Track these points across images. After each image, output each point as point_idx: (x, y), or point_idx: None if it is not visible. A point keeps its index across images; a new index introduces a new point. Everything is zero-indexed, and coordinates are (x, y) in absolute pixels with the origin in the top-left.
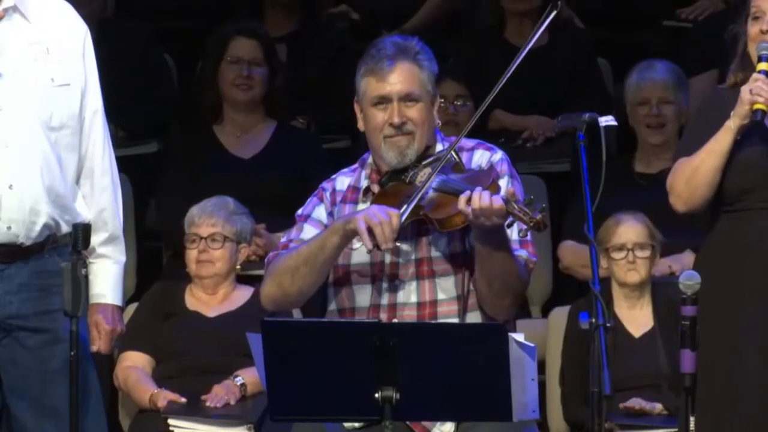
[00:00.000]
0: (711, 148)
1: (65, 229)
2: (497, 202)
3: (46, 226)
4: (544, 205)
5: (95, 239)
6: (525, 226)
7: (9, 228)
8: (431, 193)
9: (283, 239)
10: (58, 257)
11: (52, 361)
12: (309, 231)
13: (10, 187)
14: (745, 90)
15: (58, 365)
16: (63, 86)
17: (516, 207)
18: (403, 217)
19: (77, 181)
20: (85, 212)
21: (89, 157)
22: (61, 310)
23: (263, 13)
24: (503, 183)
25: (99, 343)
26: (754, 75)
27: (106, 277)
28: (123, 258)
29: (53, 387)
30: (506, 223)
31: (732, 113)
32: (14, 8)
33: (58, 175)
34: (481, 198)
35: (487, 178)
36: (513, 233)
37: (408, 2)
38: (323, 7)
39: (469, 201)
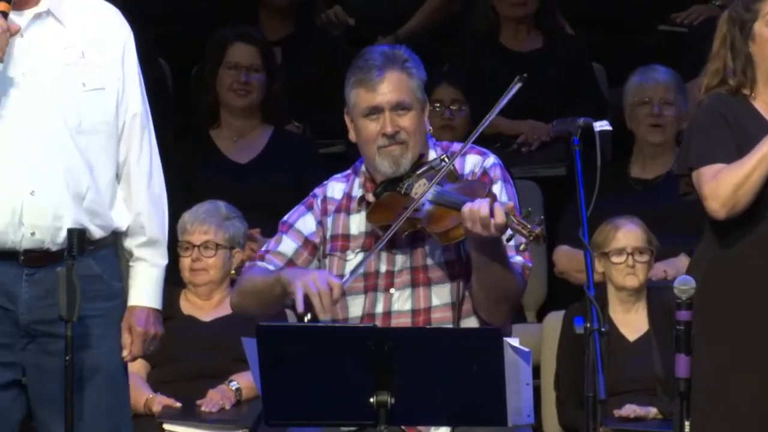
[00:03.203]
0: (763, 155)
1: (99, 233)
2: (498, 215)
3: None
4: (542, 218)
5: (132, 242)
6: (524, 240)
7: (33, 234)
8: (428, 206)
9: (263, 249)
10: (93, 261)
11: (76, 367)
12: (286, 244)
13: (32, 193)
14: None
15: (83, 372)
16: (95, 90)
17: (515, 220)
18: (346, 285)
19: (116, 185)
20: (122, 217)
21: (127, 162)
22: (94, 316)
23: (258, 17)
24: (497, 189)
25: (131, 348)
26: None
27: (143, 279)
28: (162, 261)
29: (78, 393)
30: (506, 237)
31: None
32: (47, 12)
33: (86, 181)
34: (480, 211)
35: (482, 189)
36: (512, 246)
37: (403, 7)
38: (318, 12)
39: (468, 214)
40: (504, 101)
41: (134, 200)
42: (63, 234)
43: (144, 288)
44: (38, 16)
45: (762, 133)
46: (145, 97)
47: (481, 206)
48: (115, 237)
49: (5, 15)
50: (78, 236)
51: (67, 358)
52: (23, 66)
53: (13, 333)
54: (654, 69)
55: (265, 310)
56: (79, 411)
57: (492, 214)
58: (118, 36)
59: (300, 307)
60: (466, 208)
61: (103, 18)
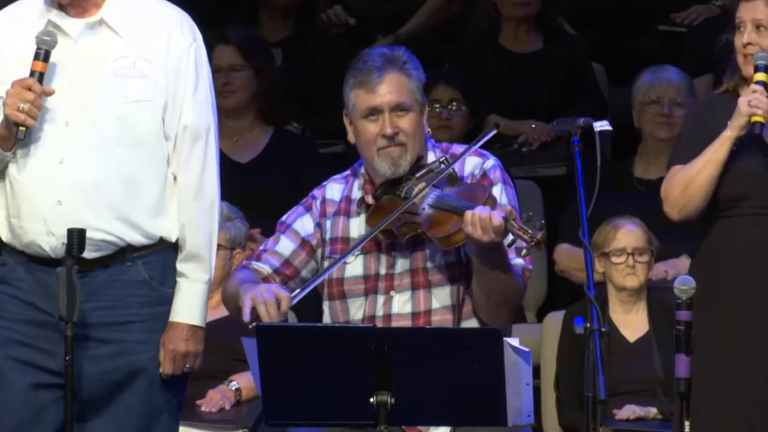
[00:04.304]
0: (708, 158)
1: (143, 241)
2: (497, 220)
3: (104, 241)
4: (543, 222)
5: (179, 256)
6: (526, 245)
7: (64, 243)
8: (428, 211)
9: (261, 247)
10: (142, 266)
11: (116, 372)
12: (284, 243)
13: (59, 203)
14: (743, 101)
15: (122, 377)
16: (138, 102)
17: (516, 225)
18: (294, 301)
19: (165, 195)
20: (170, 227)
21: (176, 173)
22: (139, 321)
23: (259, 18)
24: (497, 191)
25: (164, 365)
26: (752, 86)
27: (181, 295)
28: (204, 276)
29: (118, 396)
30: (507, 242)
31: (729, 123)
32: (100, 22)
33: (121, 191)
34: (481, 217)
35: (482, 193)
36: (513, 249)
37: (403, 7)
38: (318, 12)
39: (469, 219)
40: (478, 144)
41: (181, 212)
42: (94, 244)
43: (182, 304)
44: (90, 25)
45: (750, 135)
46: (208, 107)
47: (481, 212)
48: (173, 244)
49: (41, 76)
50: (78, 236)
51: (67, 358)
52: (72, 76)
53: (54, 339)
54: (665, 69)
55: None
56: (113, 412)
57: (492, 219)
58: (177, 46)
59: (246, 316)
60: (468, 213)
61: (163, 27)
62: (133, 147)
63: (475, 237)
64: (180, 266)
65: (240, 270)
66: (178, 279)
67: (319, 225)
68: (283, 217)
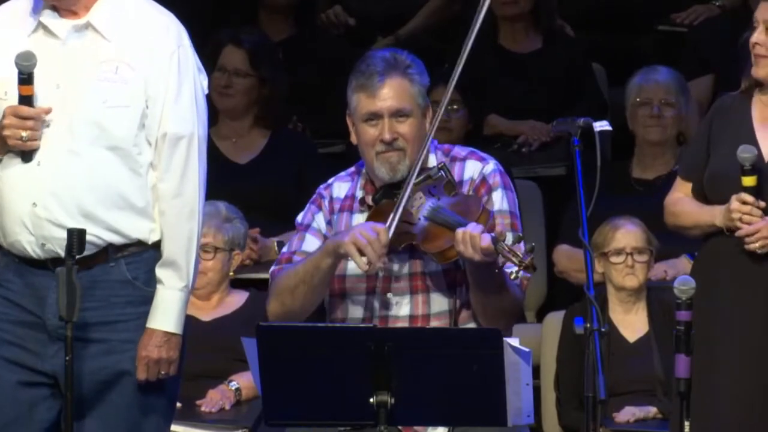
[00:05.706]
0: (698, 222)
1: (122, 241)
2: (485, 242)
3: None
4: (533, 245)
5: (158, 263)
6: (515, 267)
7: (43, 245)
8: (423, 223)
9: (285, 250)
10: (126, 266)
11: (103, 372)
12: (310, 241)
13: (34, 204)
14: (731, 210)
15: (109, 376)
16: (116, 108)
17: (506, 248)
18: (391, 231)
19: (144, 198)
20: (149, 230)
21: (157, 179)
22: (123, 321)
23: (259, 18)
24: (497, 196)
25: (138, 371)
26: (743, 196)
27: (156, 301)
28: (180, 283)
29: (107, 395)
30: (500, 263)
31: (720, 217)
32: (86, 25)
33: (95, 194)
34: (472, 235)
35: (477, 207)
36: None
37: (403, 7)
38: (318, 12)
39: (459, 239)
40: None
41: (160, 219)
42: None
43: (157, 310)
44: (77, 28)
45: (734, 137)
46: (193, 114)
47: (472, 230)
48: (158, 245)
49: (31, 99)
50: (78, 236)
51: (67, 358)
52: (59, 77)
53: (42, 340)
54: (655, 70)
55: (314, 297)
56: (101, 411)
57: (481, 240)
58: (161, 51)
59: (362, 266)
60: (459, 231)
61: (149, 32)
62: (110, 151)
63: (466, 255)
64: (157, 272)
65: (277, 275)
66: (157, 284)
67: (329, 222)
68: (299, 218)
